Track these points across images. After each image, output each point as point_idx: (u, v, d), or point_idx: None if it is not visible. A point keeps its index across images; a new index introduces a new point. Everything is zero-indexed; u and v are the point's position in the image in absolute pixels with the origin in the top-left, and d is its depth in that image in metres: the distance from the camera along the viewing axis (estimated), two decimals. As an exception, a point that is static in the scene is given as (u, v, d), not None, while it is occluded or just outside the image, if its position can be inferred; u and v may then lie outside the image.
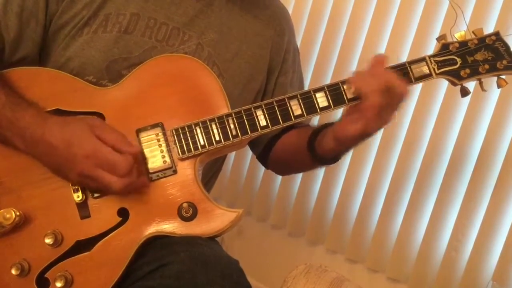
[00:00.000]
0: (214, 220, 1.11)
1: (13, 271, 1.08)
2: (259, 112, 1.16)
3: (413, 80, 1.17)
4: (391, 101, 1.11)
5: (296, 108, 1.17)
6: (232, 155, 2.19)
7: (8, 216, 1.08)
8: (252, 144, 1.51)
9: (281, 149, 1.44)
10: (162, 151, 1.14)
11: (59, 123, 1.10)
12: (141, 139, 1.15)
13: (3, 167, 1.14)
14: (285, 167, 1.53)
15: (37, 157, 1.12)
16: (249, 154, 2.12)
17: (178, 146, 1.15)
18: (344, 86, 1.17)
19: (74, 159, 1.06)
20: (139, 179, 1.11)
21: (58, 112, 1.15)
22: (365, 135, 1.14)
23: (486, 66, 1.17)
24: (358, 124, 1.11)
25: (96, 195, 1.12)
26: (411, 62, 1.17)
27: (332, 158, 1.27)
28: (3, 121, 1.11)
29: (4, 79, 1.17)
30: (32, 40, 1.24)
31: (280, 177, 2.06)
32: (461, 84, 1.18)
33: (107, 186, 1.07)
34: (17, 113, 1.10)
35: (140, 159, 1.12)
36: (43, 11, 1.23)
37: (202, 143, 1.15)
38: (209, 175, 1.43)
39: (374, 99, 1.09)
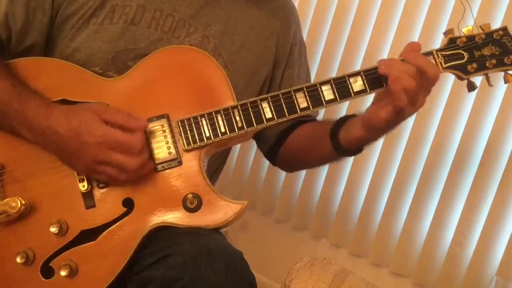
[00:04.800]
0: (219, 211, 1.12)
1: (18, 260, 1.09)
2: (264, 104, 1.16)
3: None
4: (423, 85, 1.12)
5: (302, 100, 1.17)
6: (236, 149, 2.19)
7: (13, 205, 1.09)
8: (259, 141, 1.51)
9: (293, 143, 1.43)
10: (167, 142, 1.14)
11: (65, 112, 1.10)
12: (147, 130, 1.15)
13: (9, 157, 1.15)
14: (296, 162, 1.52)
15: (45, 146, 1.12)
16: (253, 148, 2.12)
17: (184, 138, 1.15)
18: (351, 80, 1.17)
19: (85, 147, 1.07)
20: (149, 161, 1.12)
21: (64, 103, 1.15)
22: (398, 120, 1.15)
23: (493, 61, 1.16)
24: (390, 109, 1.12)
25: (101, 184, 1.13)
26: (418, 56, 1.17)
27: (355, 149, 1.27)
28: (10, 111, 1.11)
29: (11, 69, 1.17)
30: (39, 30, 1.24)
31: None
32: (468, 79, 1.18)
33: (123, 166, 1.07)
34: (24, 103, 1.11)
35: (146, 149, 1.12)
36: (50, 1, 1.24)
37: (207, 134, 1.15)
38: (214, 168, 1.43)
39: (406, 84, 1.10)
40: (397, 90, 1.10)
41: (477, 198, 1.67)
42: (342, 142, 1.25)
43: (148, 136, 1.14)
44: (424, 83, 1.12)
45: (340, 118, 1.29)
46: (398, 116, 1.14)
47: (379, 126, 1.17)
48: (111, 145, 1.06)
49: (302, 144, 1.41)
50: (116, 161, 1.07)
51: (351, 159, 1.91)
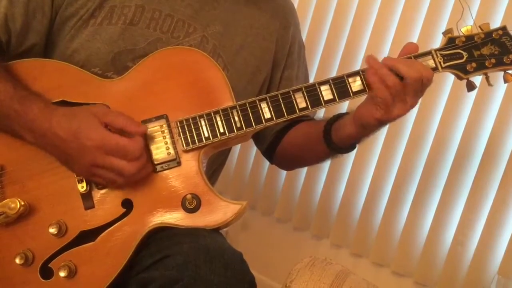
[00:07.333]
0: (218, 212, 1.12)
1: (17, 261, 1.09)
2: (263, 105, 1.16)
3: None
4: (419, 88, 1.13)
5: (300, 101, 1.17)
6: (237, 149, 2.19)
7: (13, 206, 1.09)
8: (257, 140, 1.51)
9: (289, 142, 1.43)
10: (166, 143, 1.14)
11: (66, 115, 1.10)
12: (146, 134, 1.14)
13: (9, 158, 1.15)
14: (293, 160, 1.52)
15: (45, 148, 1.12)
16: (254, 148, 2.11)
17: (183, 138, 1.15)
18: (349, 79, 1.16)
19: (83, 150, 1.07)
20: (147, 164, 1.11)
21: (64, 104, 1.15)
22: (391, 119, 1.16)
23: (493, 61, 1.16)
24: (385, 109, 1.13)
25: (100, 186, 1.13)
26: (417, 56, 1.17)
27: (348, 146, 1.28)
28: (11, 113, 1.11)
29: (11, 71, 1.18)
30: (38, 31, 1.24)
31: (285, 171, 2.06)
32: (467, 78, 1.18)
33: (121, 171, 1.07)
34: (25, 105, 1.11)
35: (145, 150, 1.12)
36: (49, 2, 1.24)
37: (206, 135, 1.15)
38: (213, 168, 1.43)
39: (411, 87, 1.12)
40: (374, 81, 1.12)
41: (478, 197, 1.67)
42: (334, 139, 1.26)
43: (147, 137, 1.14)
44: (421, 85, 1.13)
45: (333, 116, 1.30)
46: (394, 117, 1.14)
47: (371, 125, 1.18)
48: (109, 150, 1.06)
49: (298, 143, 1.41)
50: (114, 165, 1.07)
51: (351, 159, 1.92)
